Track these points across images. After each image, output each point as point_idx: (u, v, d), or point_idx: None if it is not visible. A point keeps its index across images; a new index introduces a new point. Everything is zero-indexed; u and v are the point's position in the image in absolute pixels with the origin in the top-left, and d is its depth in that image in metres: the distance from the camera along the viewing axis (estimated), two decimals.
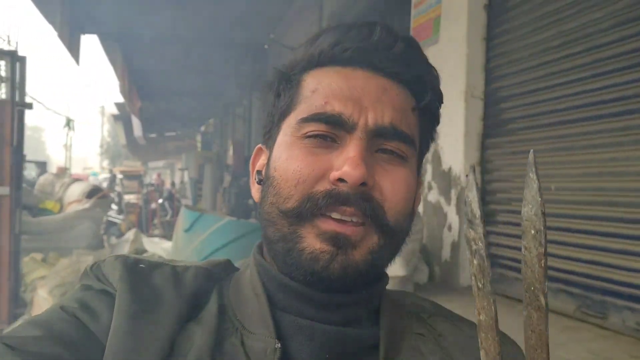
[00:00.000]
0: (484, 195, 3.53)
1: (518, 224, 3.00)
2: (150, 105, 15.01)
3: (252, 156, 0.74)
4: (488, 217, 3.38)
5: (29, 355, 0.52)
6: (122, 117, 17.11)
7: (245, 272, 0.69)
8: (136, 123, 15.60)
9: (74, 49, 8.43)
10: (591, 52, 2.67)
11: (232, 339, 0.61)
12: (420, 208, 3.76)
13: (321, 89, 0.64)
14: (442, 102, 0.71)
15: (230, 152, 12.13)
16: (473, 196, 0.42)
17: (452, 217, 3.63)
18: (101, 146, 43.97)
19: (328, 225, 0.60)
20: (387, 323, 0.65)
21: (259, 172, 0.71)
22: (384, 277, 0.69)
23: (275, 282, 0.64)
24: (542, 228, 0.39)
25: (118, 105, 16.13)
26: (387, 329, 0.65)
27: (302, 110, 0.64)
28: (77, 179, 10.18)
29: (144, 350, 0.56)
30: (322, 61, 0.66)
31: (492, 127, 3.48)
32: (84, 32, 8.99)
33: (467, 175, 0.43)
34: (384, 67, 0.64)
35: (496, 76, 3.44)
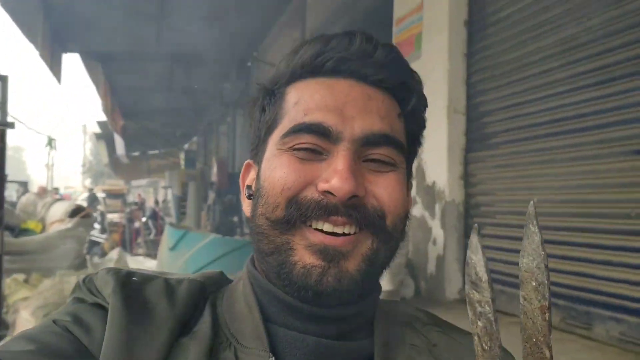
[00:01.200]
0: (468, 209, 3.57)
1: (503, 237, 3.08)
2: (133, 123, 14.96)
3: (242, 172, 0.73)
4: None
5: None
6: (104, 136, 16.96)
7: (238, 285, 0.68)
8: (119, 141, 15.48)
9: (55, 67, 8.40)
10: (569, 67, 2.73)
11: (226, 354, 0.60)
12: None
13: (302, 101, 0.63)
14: (427, 106, 0.70)
15: (215, 169, 12.09)
16: (478, 259, 0.40)
17: (437, 232, 3.65)
18: (83, 165, 43.52)
19: (316, 238, 0.59)
20: (381, 335, 0.65)
21: (249, 186, 0.70)
22: (377, 288, 0.69)
23: (268, 296, 0.63)
24: (546, 281, 0.38)
25: (100, 123, 16.00)
26: (381, 341, 0.64)
27: (284, 125, 0.63)
28: (58, 199, 10.05)
29: None
30: (304, 73, 0.65)
31: (474, 141, 3.52)
32: (66, 51, 8.97)
33: (469, 238, 0.42)
34: (367, 75, 0.63)
35: (478, 91, 3.50)
